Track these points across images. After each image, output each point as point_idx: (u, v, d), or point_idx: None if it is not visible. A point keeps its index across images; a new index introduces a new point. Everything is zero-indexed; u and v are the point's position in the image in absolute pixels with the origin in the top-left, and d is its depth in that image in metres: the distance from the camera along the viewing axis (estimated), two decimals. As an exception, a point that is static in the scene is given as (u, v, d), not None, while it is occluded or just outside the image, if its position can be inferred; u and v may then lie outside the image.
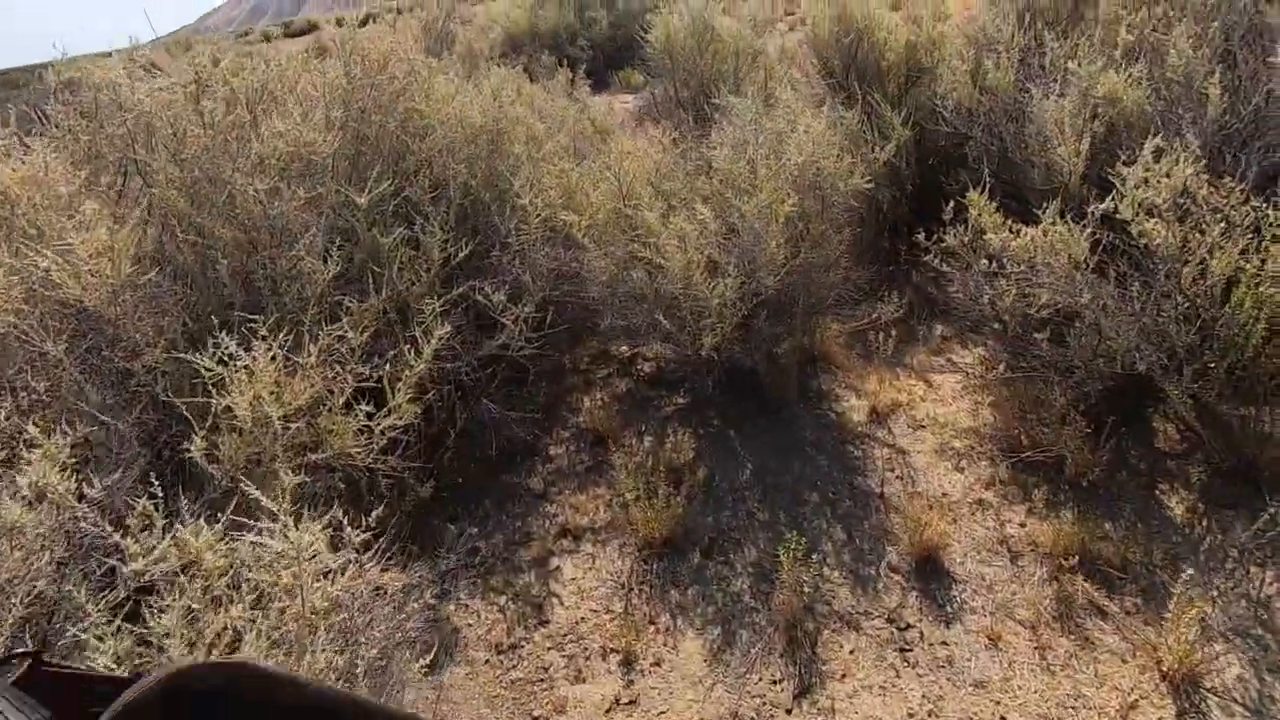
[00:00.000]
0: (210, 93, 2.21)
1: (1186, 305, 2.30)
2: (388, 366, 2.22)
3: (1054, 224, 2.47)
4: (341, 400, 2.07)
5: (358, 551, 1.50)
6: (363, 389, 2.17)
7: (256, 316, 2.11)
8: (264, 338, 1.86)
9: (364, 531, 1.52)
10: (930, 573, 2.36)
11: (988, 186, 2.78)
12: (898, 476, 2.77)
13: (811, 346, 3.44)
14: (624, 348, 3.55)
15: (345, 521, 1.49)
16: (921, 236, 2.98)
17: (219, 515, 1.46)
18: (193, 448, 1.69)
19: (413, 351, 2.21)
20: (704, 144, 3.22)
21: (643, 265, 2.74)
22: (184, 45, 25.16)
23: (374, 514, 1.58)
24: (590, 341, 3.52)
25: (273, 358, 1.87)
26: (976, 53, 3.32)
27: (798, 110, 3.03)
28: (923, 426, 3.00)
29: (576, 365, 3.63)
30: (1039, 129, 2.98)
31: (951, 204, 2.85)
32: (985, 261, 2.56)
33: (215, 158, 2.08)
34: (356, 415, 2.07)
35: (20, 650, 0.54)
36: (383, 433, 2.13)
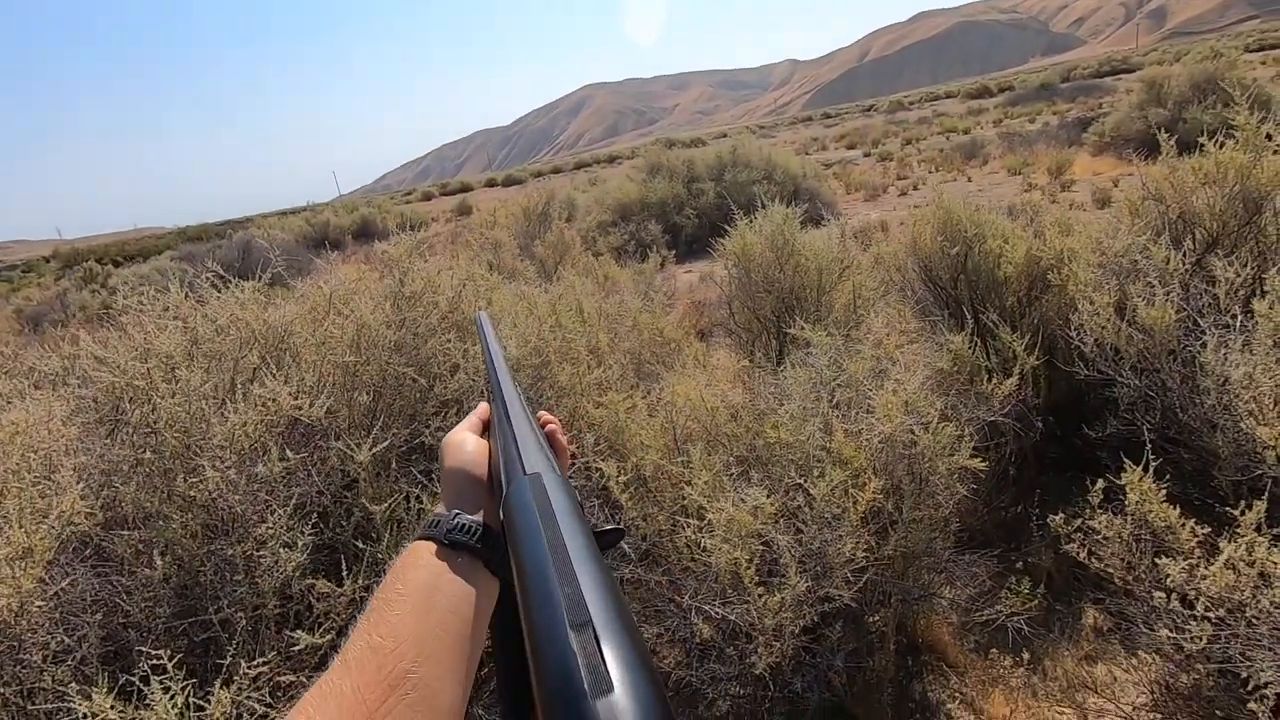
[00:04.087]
0: (199, 348, 2.04)
1: None
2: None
3: (1263, 548, 1.72)
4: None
5: None
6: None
7: (186, 622, 1.75)
8: (164, 679, 1.47)
9: None
10: None
11: (1150, 460, 2.08)
12: None
13: (913, 632, 2.69)
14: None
15: None
16: (1060, 518, 2.28)
17: None
18: None
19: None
20: (778, 373, 2.76)
21: (686, 541, 2.21)
22: (351, 207, 28.95)
23: None
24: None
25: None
26: (1119, 280, 2.71)
27: (888, 347, 2.52)
28: (1077, 796, 2.12)
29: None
30: (1220, 384, 2.27)
31: (1101, 482, 2.16)
32: (1161, 595, 1.81)
33: (183, 428, 1.84)
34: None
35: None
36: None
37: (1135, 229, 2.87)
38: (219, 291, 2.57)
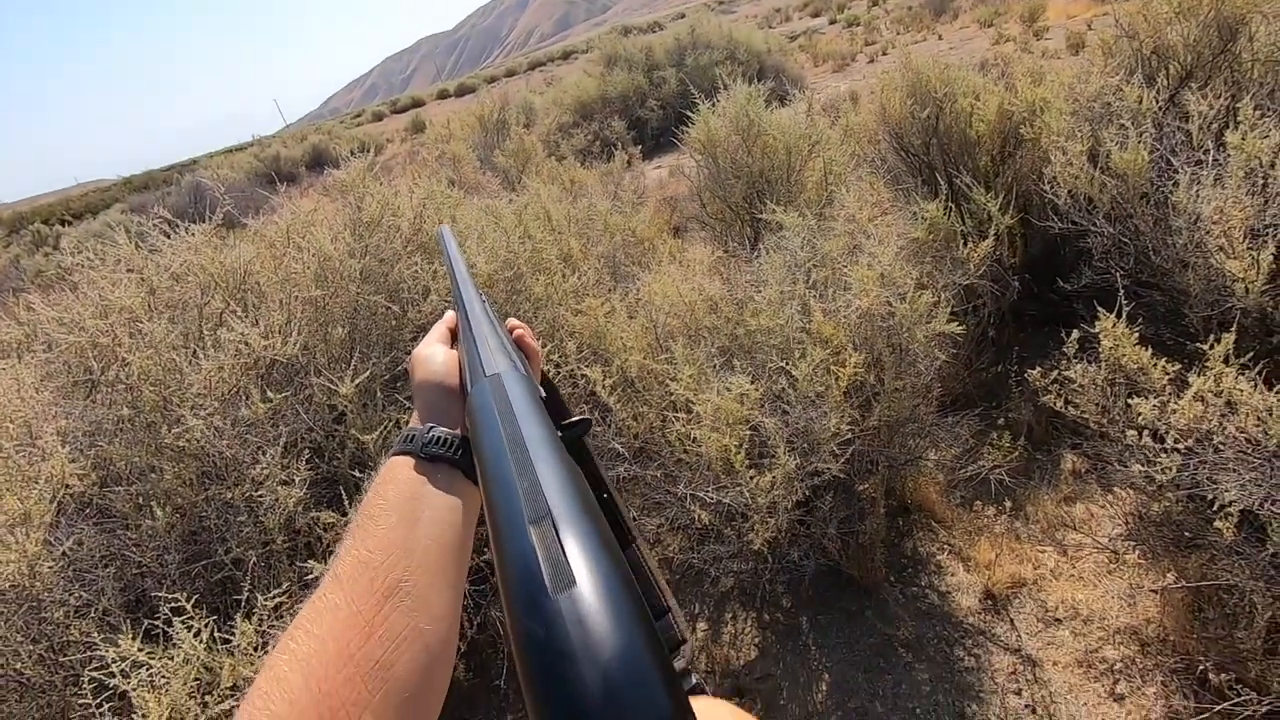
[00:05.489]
0: (157, 298, 1.98)
1: None
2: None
3: (1230, 377, 1.78)
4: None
5: None
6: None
7: (199, 565, 1.80)
8: (186, 619, 1.52)
9: None
10: None
11: (1123, 306, 2.11)
12: (1027, 706, 2.08)
13: (902, 495, 2.81)
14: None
15: None
16: (1037, 372, 2.33)
17: None
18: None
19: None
20: (753, 260, 2.73)
21: (676, 435, 2.25)
22: (300, 136, 27.49)
23: None
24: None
25: (197, 637, 1.53)
26: (1092, 126, 2.64)
27: (862, 221, 2.48)
28: (1058, 621, 2.29)
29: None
30: (1192, 222, 2.27)
31: (1076, 333, 2.19)
32: (1134, 434, 1.89)
33: (157, 380, 1.81)
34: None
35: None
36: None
37: (1108, 70, 2.77)
38: (169, 239, 2.47)
